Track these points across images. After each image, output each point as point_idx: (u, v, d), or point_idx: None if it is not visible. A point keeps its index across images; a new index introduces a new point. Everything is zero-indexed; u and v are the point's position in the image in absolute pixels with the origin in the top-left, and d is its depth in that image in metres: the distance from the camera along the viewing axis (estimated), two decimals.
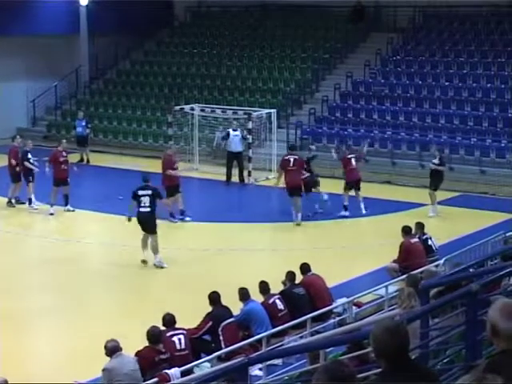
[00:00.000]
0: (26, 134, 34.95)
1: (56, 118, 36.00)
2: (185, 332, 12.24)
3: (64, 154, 23.76)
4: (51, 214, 22.65)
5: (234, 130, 27.19)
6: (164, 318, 12.24)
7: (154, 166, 29.28)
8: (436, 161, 23.04)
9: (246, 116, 28.26)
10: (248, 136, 27.47)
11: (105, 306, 16.25)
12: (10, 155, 24.08)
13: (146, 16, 36.61)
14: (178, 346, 12.00)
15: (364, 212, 22.64)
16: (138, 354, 11.42)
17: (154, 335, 11.64)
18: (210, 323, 12.72)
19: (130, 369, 10.88)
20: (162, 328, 12.06)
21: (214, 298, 13.06)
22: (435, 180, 22.82)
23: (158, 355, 11.57)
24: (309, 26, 35.40)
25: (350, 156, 23.22)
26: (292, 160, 22.13)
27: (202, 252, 19.70)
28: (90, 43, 36.90)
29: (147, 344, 11.59)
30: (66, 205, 23.19)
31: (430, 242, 16.98)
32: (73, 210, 23.21)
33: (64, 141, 24.43)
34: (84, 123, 30.30)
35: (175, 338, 12.04)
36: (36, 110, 36.08)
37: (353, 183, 22.94)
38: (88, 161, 30.36)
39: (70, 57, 36.37)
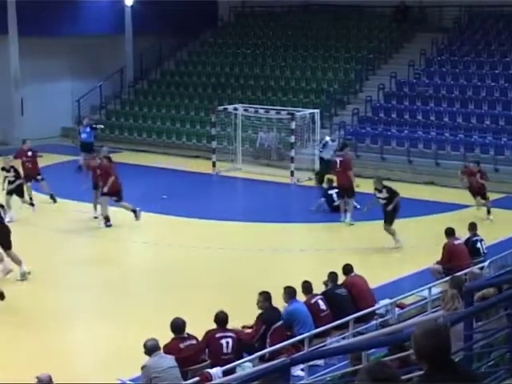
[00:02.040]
0: (71, 134, 35.47)
1: (100, 118, 36.23)
2: (234, 336, 12.21)
3: (29, 153, 24.22)
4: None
5: (332, 141, 27.13)
6: (217, 316, 12.25)
7: (197, 166, 29.55)
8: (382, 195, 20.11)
9: (289, 116, 28.24)
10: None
11: (152, 305, 16.26)
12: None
13: (191, 16, 36.75)
14: (224, 350, 12.02)
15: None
16: (164, 347, 11.54)
17: (176, 326, 11.78)
18: (264, 326, 12.68)
19: (169, 366, 10.97)
20: (213, 327, 12.12)
21: (266, 298, 13.04)
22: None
23: (183, 342, 11.72)
24: (352, 26, 35.30)
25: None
26: (338, 162, 22.46)
27: (244, 252, 19.72)
28: (134, 43, 37.16)
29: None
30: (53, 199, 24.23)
31: (478, 245, 16.83)
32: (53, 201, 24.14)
33: (28, 141, 24.82)
34: (88, 129, 28.87)
35: (223, 341, 12.04)
36: (81, 110, 36.36)
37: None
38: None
39: (114, 57, 36.65)
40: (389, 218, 19.70)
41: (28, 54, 33.50)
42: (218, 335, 12.14)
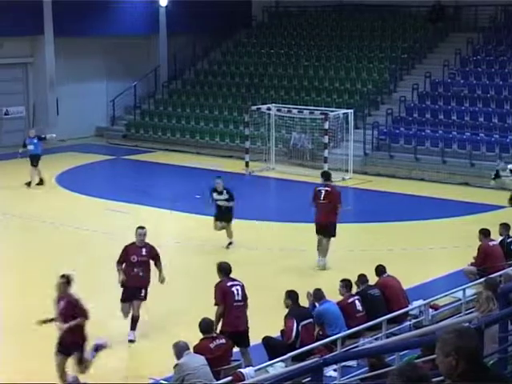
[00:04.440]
0: (106, 133, 35.71)
1: (135, 118, 36.44)
2: (241, 283, 13.09)
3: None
4: None
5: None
6: (220, 266, 13.22)
7: (231, 166, 29.58)
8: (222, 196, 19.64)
9: (322, 116, 28.20)
10: None
11: (191, 303, 16.27)
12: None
13: (224, 16, 36.82)
14: (236, 297, 12.85)
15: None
16: (194, 347, 11.61)
17: (205, 325, 11.90)
18: (295, 322, 12.68)
19: (200, 364, 11.04)
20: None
21: (292, 297, 13.06)
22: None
23: (213, 342, 11.80)
24: (386, 26, 35.17)
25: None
26: (324, 192, 18.40)
27: (278, 252, 19.73)
28: (168, 43, 37.30)
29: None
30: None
31: None
32: None
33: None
34: (36, 140, 26.65)
35: (234, 289, 12.92)
36: (115, 110, 36.58)
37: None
38: (42, 181, 26.72)
39: (148, 57, 36.83)
40: None
41: (63, 55, 33.77)
42: (228, 284, 13.00)
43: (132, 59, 35.97)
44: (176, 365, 11.09)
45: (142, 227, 14.73)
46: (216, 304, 12.94)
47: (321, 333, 13.12)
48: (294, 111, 29.40)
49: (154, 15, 36.48)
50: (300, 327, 12.64)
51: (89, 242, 21.01)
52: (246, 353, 13.03)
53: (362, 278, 14.29)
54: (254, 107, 30.36)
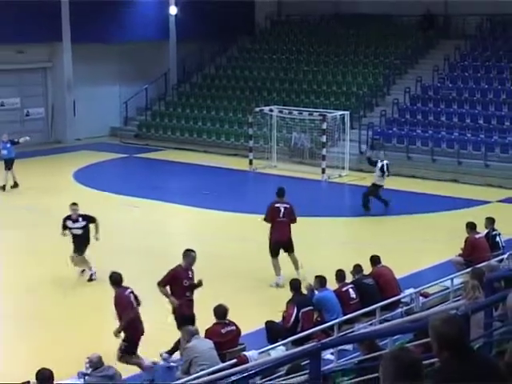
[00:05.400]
0: (119, 133, 35.71)
1: (146, 118, 36.44)
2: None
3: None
4: None
5: (381, 161, 22.80)
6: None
7: (236, 163, 29.60)
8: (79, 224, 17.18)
9: (320, 117, 28.20)
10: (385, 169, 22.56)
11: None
12: None
13: (230, 24, 36.79)
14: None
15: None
16: (206, 331, 11.68)
17: (219, 311, 11.97)
18: (296, 309, 12.71)
19: (207, 347, 11.11)
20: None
21: (295, 285, 13.09)
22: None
23: (224, 327, 11.87)
24: (381, 34, 35.09)
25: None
26: (283, 209, 16.99)
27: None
28: (177, 49, 37.29)
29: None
30: None
31: (497, 239, 16.67)
32: None
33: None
34: (9, 145, 25.55)
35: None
36: (128, 111, 36.56)
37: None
38: (16, 184, 25.69)
39: (159, 62, 36.80)
40: None
41: (80, 60, 33.74)
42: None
43: (144, 64, 35.93)
44: (185, 348, 11.15)
45: (192, 250, 13.34)
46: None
47: (319, 319, 13.16)
48: (295, 112, 29.39)
49: (164, 23, 36.48)
50: (301, 314, 12.68)
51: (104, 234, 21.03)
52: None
53: (357, 268, 14.34)
54: (257, 109, 30.36)
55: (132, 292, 12.64)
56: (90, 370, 10.63)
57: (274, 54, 36.49)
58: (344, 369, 9.66)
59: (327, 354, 11.55)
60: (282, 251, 16.79)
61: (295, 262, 16.66)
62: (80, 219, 17.04)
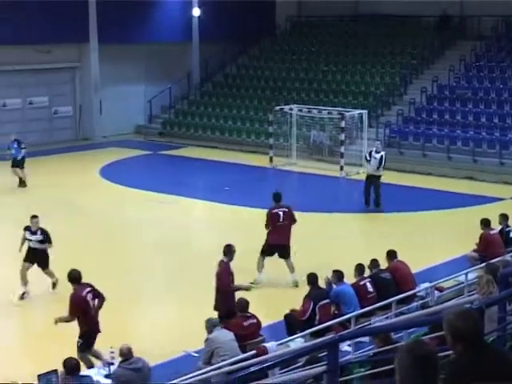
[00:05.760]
0: (144, 131, 35.83)
1: (170, 117, 36.52)
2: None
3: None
4: None
5: (377, 152, 22.31)
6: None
7: (256, 160, 29.59)
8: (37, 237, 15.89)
9: (339, 116, 28.16)
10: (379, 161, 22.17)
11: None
12: None
13: (251, 25, 36.77)
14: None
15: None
16: (229, 323, 11.71)
17: (241, 305, 12.05)
18: (312, 303, 12.72)
19: (228, 338, 11.14)
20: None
21: (312, 279, 13.08)
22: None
23: (246, 320, 11.90)
24: (398, 35, 34.98)
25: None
26: (282, 214, 16.49)
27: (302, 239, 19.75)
28: (200, 50, 37.31)
29: None
30: None
31: (511, 235, 16.58)
32: None
33: None
34: (16, 145, 25.20)
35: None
36: (152, 109, 36.66)
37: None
38: (24, 182, 25.20)
39: (182, 62, 36.85)
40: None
41: (107, 60, 33.86)
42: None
43: (168, 64, 35.99)
44: (207, 339, 11.18)
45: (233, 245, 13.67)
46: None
47: (336, 312, 13.14)
48: (314, 111, 29.35)
49: (188, 24, 36.52)
50: (318, 307, 12.68)
51: (129, 228, 21.15)
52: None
53: (374, 263, 14.30)
54: (277, 107, 30.32)
55: (91, 291, 12.20)
56: (118, 360, 10.63)
57: (294, 55, 36.44)
58: (361, 360, 9.64)
59: (345, 346, 11.54)
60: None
61: (290, 266, 16.20)
62: (38, 232, 15.77)
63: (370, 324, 12.29)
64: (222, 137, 33.72)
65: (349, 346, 11.61)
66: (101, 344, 12.22)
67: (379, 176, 22.22)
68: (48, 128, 33.99)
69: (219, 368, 10.36)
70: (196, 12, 36.43)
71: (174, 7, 36.18)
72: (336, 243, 19.43)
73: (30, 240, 15.81)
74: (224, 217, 22.09)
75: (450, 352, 5.08)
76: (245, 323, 11.87)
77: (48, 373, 10.48)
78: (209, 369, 10.51)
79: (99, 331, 12.20)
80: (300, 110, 29.71)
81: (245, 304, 12.10)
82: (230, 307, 12.72)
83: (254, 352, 10.84)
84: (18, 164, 25.10)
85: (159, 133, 35.68)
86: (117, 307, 15.10)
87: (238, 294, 12.92)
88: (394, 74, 33.00)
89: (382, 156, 22.18)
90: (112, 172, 27.97)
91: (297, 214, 21.94)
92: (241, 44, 37.66)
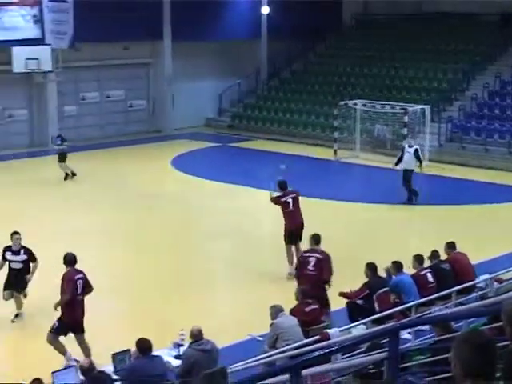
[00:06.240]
0: (214, 124, 36.06)
1: (238, 110, 36.66)
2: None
3: None
4: None
5: (410, 147, 22.37)
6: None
7: (321, 153, 29.51)
8: None
9: (402, 111, 27.90)
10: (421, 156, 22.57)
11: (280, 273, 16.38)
12: None
13: (317, 22, 36.57)
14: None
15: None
16: (291, 309, 11.76)
17: (303, 292, 12.09)
18: (367, 291, 12.69)
19: (293, 324, 11.19)
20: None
21: (372, 268, 13.04)
22: None
23: (308, 306, 11.96)
24: (461, 32, 34.41)
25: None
26: (291, 201, 16.22)
27: (360, 228, 19.67)
28: (268, 46, 37.33)
29: None
30: None
31: None
32: None
33: None
34: (59, 141, 25.27)
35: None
36: (222, 103, 36.86)
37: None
38: (73, 173, 25.06)
39: (251, 58, 36.90)
40: None
41: (179, 56, 34.12)
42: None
43: (237, 60, 36.10)
44: (271, 324, 11.24)
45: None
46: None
47: (397, 300, 13.07)
48: (378, 106, 29.14)
49: (256, 22, 36.55)
50: (376, 295, 12.64)
51: (201, 216, 21.34)
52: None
53: (435, 254, 14.17)
54: (342, 102, 30.19)
55: (83, 278, 11.91)
56: (188, 341, 10.75)
57: (359, 51, 36.16)
58: (420, 348, 9.56)
59: (405, 334, 11.47)
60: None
61: (299, 250, 15.70)
62: (22, 252, 13.70)
63: (429, 313, 12.18)
64: (288, 130, 33.71)
65: (409, 333, 11.53)
66: (172, 325, 12.36)
67: (412, 170, 22.02)
68: (123, 121, 34.48)
69: (283, 352, 10.40)
70: (265, 10, 36.43)
71: (244, 6, 36.24)
72: (394, 235, 19.28)
73: (12, 261, 13.72)
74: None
75: (509, 342, 5.01)
76: (306, 309, 11.91)
77: (121, 352, 10.68)
78: (273, 352, 10.57)
79: (75, 326, 11.80)
80: (364, 105, 29.52)
81: (307, 291, 12.15)
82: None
83: (317, 337, 10.85)
84: (61, 158, 24.94)
85: (228, 126, 35.85)
86: (187, 291, 15.31)
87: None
88: (457, 70, 32.49)
89: (416, 149, 22.16)
90: (183, 163, 28.25)
91: (359, 205, 21.90)
92: (307, 41, 37.51)
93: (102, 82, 33.60)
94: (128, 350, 10.58)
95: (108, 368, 10.37)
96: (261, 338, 12.59)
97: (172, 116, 34.76)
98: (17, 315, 13.86)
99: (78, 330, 11.92)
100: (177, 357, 11.01)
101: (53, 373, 9.99)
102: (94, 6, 29.85)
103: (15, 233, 13.83)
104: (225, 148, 32.03)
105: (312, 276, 13.16)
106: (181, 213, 21.53)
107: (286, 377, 5.79)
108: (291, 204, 16.14)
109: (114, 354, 10.65)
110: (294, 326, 11.20)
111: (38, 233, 17.77)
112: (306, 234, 14.66)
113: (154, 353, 10.10)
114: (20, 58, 29.13)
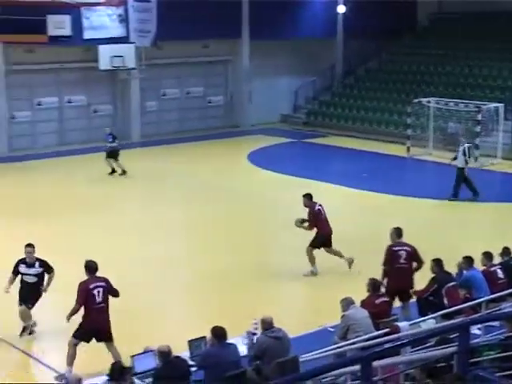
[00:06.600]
0: (289, 120, 36.07)
1: (314, 107, 36.57)
2: None
3: None
4: None
5: (461, 145, 22.45)
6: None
7: (394, 150, 29.22)
8: None
9: (476, 109, 27.38)
10: (468, 155, 22.31)
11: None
12: None
13: (392, 22, 36.18)
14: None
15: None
16: (362, 302, 11.70)
17: (374, 285, 11.99)
18: (435, 286, 12.55)
19: (363, 316, 11.13)
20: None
21: (438, 263, 12.88)
22: None
23: (378, 299, 11.89)
24: None
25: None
26: (321, 208, 16.12)
27: (429, 223, 19.40)
28: (344, 45, 37.11)
29: None
30: None
31: None
32: None
33: None
34: (111, 139, 25.16)
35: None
36: (297, 100, 36.83)
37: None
38: (123, 171, 24.91)
39: (326, 56, 36.73)
40: None
41: (256, 54, 34.26)
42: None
43: (312, 58, 35.98)
44: (343, 315, 11.21)
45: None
46: None
47: (468, 296, 12.86)
48: (451, 104, 28.69)
49: (332, 21, 36.37)
50: (445, 289, 12.47)
51: (277, 209, 21.39)
52: (407, 307, 13.06)
53: (506, 251, 13.90)
54: (415, 100, 29.85)
55: (103, 286, 11.28)
56: (260, 330, 10.80)
57: (433, 50, 35.60)
58: (490, 343, 9.39)
59: (475, 329, 11.27)
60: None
61: (337, 253, 15.95)
62: (36, 264, 12.73)
63: (500, 309, 11.94)
64: (362, 127, 33.47)
65: (478, 329, 11.33)
66: (245, 314, 12.42)
67: (462, 168, 21.83)
68: (202, 116, 34.78)
69: (354, 343, 10.36)
70: (341, 9, 36.21)
71: (320, 5, 36.06)
72: (461, 231, 18.97)
73: (26, 275, 12.74)
74: (363, 202, 21.95)
75: None
76: (376, 301, 11.85)
77: (198, 339, 10.80)
78: (344, 343, 10.53)
79: (97, 334, 11.33)
80: (437, 103, 29.10)
81: (378, 284, 12.12)
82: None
83: (387, 330, 10.77)
84: (112, 155, 24.90)
85: (303, 122, 35.80)
86: (257, 283, 15.36)
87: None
88: None
89: (463, 149, 21.96)
90: (259, 157, 28.35)
91: (431, 202, 21.62)
92: (382, 40, 37.11)
93: (182, 78, 33.97)
94: (204, 337, 10.68)
95: (184, 354, 10.50)
96: (332, 329, 12.56)
97: (249, 112, 34.91)
98: (24, 329, 12.78)
99: (103, 337, 11.40)
100: (250, 345, 11.05)
101: (132, 356, 10.15)
102: (175, 6, 30.20)
103: (28, 245, 12.79)
104: (299, 144, 32.00)
105: (405, 269, 13.30)
106: (257, 205, 21.66)
107: (357, 367, 5.77)
108: (323, 212, 16.04)
109: (190, 341, 10.78)
110: (365, 317, 11.15)
111: (119, 223, 18.09)
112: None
113: (229, 341, 10.15)
114: (106, 56, 29.74)
